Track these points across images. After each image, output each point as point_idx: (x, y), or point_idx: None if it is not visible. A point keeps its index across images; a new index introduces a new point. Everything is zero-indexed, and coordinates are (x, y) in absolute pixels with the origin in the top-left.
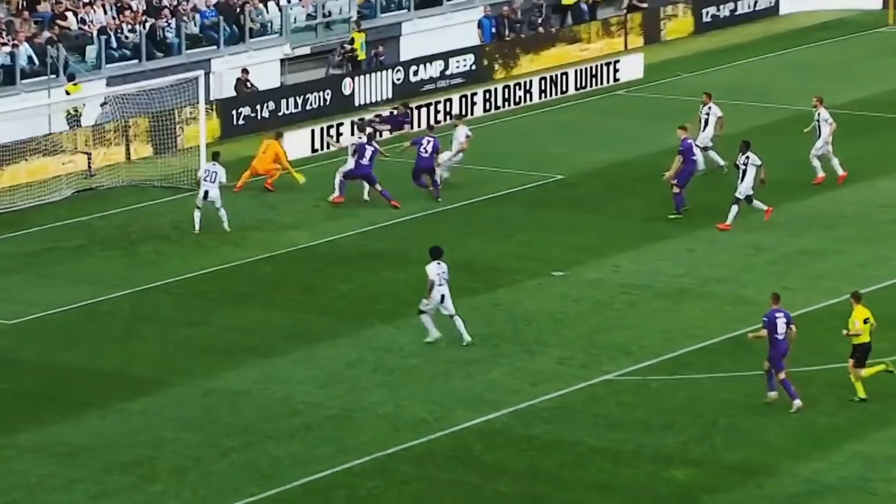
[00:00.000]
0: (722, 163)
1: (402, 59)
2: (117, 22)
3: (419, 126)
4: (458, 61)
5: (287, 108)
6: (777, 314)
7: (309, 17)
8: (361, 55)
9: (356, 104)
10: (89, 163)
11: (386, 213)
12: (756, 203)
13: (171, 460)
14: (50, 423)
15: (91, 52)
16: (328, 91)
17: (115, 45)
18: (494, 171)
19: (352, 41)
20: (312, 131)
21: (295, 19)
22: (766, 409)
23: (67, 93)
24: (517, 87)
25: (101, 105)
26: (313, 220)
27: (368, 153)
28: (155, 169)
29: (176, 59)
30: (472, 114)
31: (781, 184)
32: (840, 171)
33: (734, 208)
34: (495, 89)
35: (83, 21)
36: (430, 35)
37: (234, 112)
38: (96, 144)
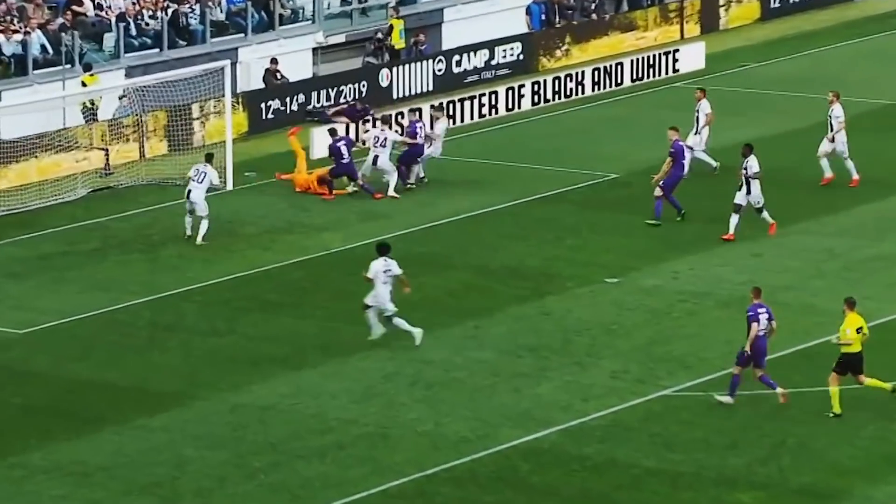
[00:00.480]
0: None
1: (443, 48)
2: (137, 8)
3: (461, 121)
4: (504, 50)
5: (319, 101)
6: (760, 309)
7: (343, 2)
8: (400, 44)
9: (394, 97)
10: (107, 160)
11: (426, 215)
12: (734, 219)
13: (194, 481)
14: (64, 441)
15: (109, 40)
16: (364, 83)
17: (134, 32)
18: (543, 169)
19: (390, 29)
20: (347, 126)
21: (328, 5)
22: (837, 427)
23: (83, 84)
24: (568, 79)
25: (120, 98)
26: (348, 222)
27: (344, 149)
28: (177, 166)
29: (200, 48)
30: (519, 107)
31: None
32: (828, 174)
33: (764, 214)
34: (544, 81)
35: (100, 7)
36: (474, 22)
37: (262, 105)
38: (114, 140)
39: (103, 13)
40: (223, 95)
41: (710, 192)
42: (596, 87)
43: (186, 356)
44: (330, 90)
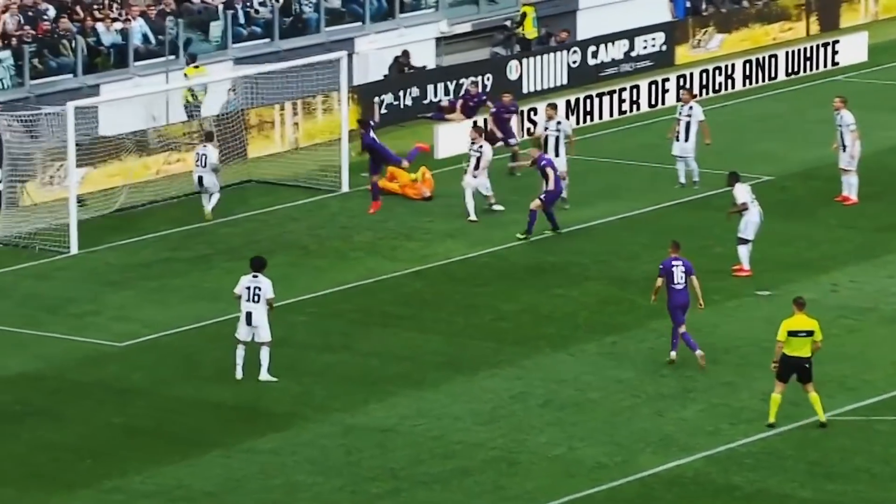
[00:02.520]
0: (696, 178)
1: (579, 37)
2: None
3: (599, 118)
4: (645, 41)
5: (436, 95)
6: (675, 262)
7: None
8: (532, 33)
9: (524, 91)
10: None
11: (560, 221)
12: (742, 251)
13: None
14: (167, 464)
15: (215, 29)
16: (489, 75)
17: (243, 21)
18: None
19: (522, 17)
20: (475, 122)
21: None
22: None
23: (186, 77)
24: (716, 73)
25: (228, 91)
26: (473, 228)
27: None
28: (288, 166)
29: (314, 37)
30: (662, 103)
31: None
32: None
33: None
34: (690, 74)
35: None
36: (612, 9)
37: (375, 100)
38: (220, 136)
39: (210, 0)
40: (338, 89)
41: (879, 196)
42: (747, 82)
43: (298, 374)
44: (449, 83)
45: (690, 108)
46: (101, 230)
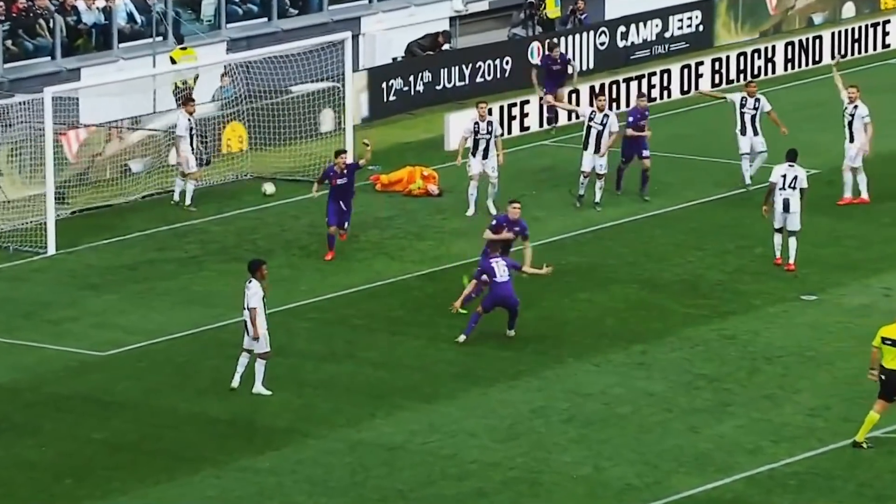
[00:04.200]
0: (748, 180)
1: (606, 17)
2: None
3: (626, 105)
4: (680, 20)
5: (450, 81)
6: (493, 259)
7: None
8: (555, 13)
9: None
10: (206, 150)
11: (582, 219)
12: (777, 240)
13: None
14: (154, 484)
15: (207, 7)
16: (507, 59)
17: None
18: (726, 163)
19: None
20: (490, 110)
21: None
22: None
23: (172, 61)
24: (756, 55)
25: (221, 76)
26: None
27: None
28: (288, 158)
29: (316, 17)
30: (697, 89)
31: None
32: (847, 193)
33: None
34: (727, 58)
35: None
36: None
37: (383, 85)
38: (210, 127)
39: None
40: (342, 74)
41: None
42: (790, 65)
43: (299, 385)
44: (465, 67)
45: (757, 100)
46: (81, 229)
